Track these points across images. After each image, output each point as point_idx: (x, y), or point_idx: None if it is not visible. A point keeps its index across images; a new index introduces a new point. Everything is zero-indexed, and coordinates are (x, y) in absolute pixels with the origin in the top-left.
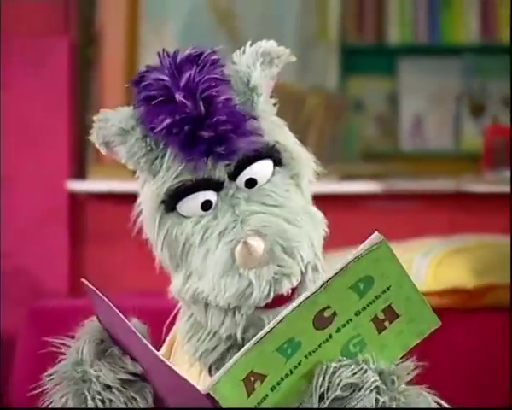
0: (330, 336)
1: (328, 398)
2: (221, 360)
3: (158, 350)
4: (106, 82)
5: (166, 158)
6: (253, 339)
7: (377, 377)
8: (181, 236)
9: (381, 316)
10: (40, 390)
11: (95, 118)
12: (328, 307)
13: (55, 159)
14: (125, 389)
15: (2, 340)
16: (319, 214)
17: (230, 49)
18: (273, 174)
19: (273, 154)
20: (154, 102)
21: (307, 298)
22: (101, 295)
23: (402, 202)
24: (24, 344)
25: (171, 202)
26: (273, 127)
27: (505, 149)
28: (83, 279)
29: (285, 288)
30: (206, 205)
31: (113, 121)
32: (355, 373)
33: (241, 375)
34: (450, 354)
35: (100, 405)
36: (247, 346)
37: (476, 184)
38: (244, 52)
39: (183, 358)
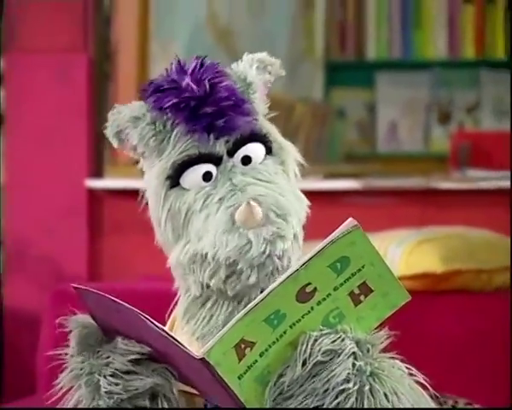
0: (312, 308)
1: (310, 363)
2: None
3: None
4: (120, 93)
5: (172, 137)
6: (243, 310)
7: (354, 345)
8: (183, 206)
9: (357, 291)
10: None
11: (109, 113)
12: (310, 284)
13: (76, 160)
14: (140, 371)
15: (29, 319)
16: (303, 197)
17: (229, 64)
18: (264, 159)
19: (265, 140)
20: (162, 88)
21: (290, 275)
22: (94, 290)
23: (378, 198)
24: (48, 323)
25: (175, 175)
26: (265, 121)
27: (469, 151)
28: (72, 284)
29: (279, 248)
30: (207, 176)
31: (125, 111)
32: (334, 341)
33: (232, 342)
34: (420, 331)
35: (114, 387)
36: (237, 316)
37: (444, 182)
38: (241, 61)
39: (182, 338)
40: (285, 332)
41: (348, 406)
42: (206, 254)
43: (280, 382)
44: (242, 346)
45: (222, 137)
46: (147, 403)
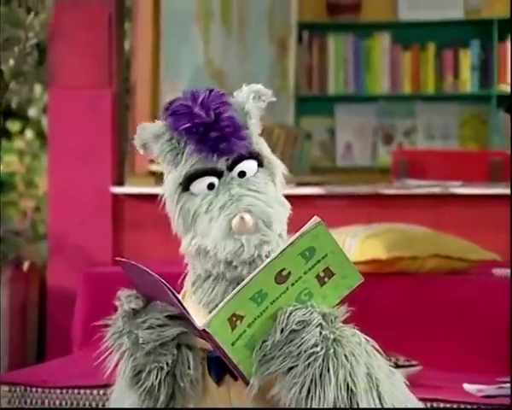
0: (287, 288)
1: (286, 331)
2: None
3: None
4: (137, 120)
5: (185, 153)
6: (233, 291)
7: (321, 317)
8: (192, 207)
9: (322, 274)
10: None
11: (137, 127)
12: (285, 269)
13: (103, 172)
14: (170, 323)
15: (67, 294)
16: (286, 202)
17: None
18: (257, 172)
19: (258, 157)
20: (178, 113)
21: (269, 263)
22: (134, 262)
23: (337, 201)
24: (81, 298)
25: (186, 183)
26: (259, 141)
27: (407, 165)
28: (117, 258)
29: (264, 251)
30: (211, 186)
31: (149, 129)
32: (305, 314)
33: (226, 316)
34: (370, 304)
35: (149, 336)
36: (229, 296)
37: (387, 189)
38: (241, 91)
39: (191, 305)
40: (267, 308)
41: (317, 365)
42: (209, 250)
43: (264, 346)
44: (234, 319)
45: (223, 156)
46: (174, 351)
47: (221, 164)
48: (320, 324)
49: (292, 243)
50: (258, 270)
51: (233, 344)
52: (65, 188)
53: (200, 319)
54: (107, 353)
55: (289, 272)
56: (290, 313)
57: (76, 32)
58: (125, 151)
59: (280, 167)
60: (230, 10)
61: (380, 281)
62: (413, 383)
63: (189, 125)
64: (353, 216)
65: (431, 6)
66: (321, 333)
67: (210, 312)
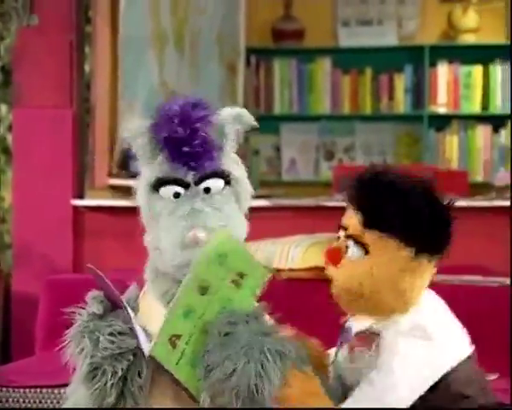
0: (210, 300)
1: (218, 340)
2: (172, 297)
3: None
4: (96, 138)
5: (159, 158)
6: (165, 315)
7: (246, 316)
8: (157, 208)
9: (236, 278)
10: (59, 337)
11: (127, 121)
12: (204, 280)
13: (64, 185)
14: (130, 334)
15: (30, 299)
16: (245, 221)
17: None
18: (223, 189)
19: (225, 177)
20: (161, 121)
21: (186, 280)
22: (99, 272)
23: (282, 213)
24: (44, 303)
25: (156, 186)
26: (230, 161)
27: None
28: (89, 265)
29: None
30: (176, 195)
31: (134, 125)
32: (230, 320)
33: (166, 338)
34: (313, 307)
35: (109, 344)
36: (163, 320)
37: (328, 202)
38: (227, 110)
39: (150, 301)
40: (197, 323)
41: (256, 359)
42: (163, 252)
43: (204, 360)
44: (173, 339)
45: (192, 171)
46: (131, 357)
47: (189, 177)
48: (247, 321)
49: (202, 255)
50: (179, 289)
51: (177, 363)
52: (29, 201)
53: (156, 313)
54: (69, 346)
55: (209, 284)
56: (217, 323)
57: (39, 56)
58: (86, 167)
59: (247, 189)
60: (183, 35)
61: (321, 286)
62: None
63: (166, 135)
64: (298, 226)
65: (368, 34)
66: (250, 331)
67: (165, 305)
